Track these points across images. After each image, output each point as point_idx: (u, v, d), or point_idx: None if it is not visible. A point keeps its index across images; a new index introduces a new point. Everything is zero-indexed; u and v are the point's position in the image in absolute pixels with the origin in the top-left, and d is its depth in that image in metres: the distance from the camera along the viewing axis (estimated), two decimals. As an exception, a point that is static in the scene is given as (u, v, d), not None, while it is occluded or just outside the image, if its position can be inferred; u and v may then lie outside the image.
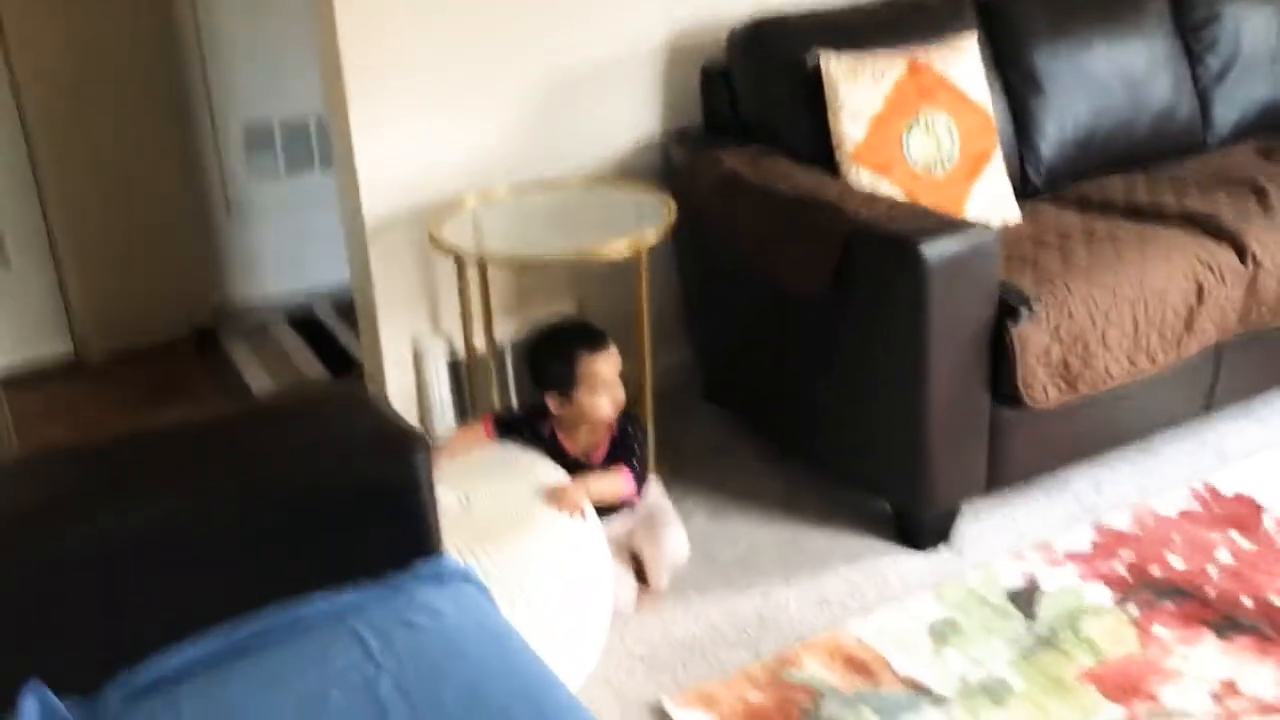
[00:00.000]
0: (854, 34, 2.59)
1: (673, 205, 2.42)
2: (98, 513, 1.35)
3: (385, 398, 2.71)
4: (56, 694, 1.28)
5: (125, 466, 1.46)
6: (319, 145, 3.63)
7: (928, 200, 2.45)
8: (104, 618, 1.35)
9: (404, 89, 2.43)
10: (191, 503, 1.40)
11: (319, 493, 1.44)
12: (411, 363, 2.66)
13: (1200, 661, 1.99)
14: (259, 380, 3.28)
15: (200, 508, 1.40)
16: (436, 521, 1.51)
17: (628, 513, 2.23)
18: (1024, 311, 2.10)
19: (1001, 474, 2.29)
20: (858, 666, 2.01)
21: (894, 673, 1.99)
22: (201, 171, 3.52)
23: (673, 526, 2.23)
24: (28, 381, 3.29)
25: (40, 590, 1.31)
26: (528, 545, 1.85)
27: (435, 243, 2.32)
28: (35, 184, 3.23)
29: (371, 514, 1.46)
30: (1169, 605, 2.13)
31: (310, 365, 3.35)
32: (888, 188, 2.45)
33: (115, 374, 3.33)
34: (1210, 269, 2.32)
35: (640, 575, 2.21)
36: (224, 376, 3.31)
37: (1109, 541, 2.32)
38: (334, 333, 3.52)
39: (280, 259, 3.71)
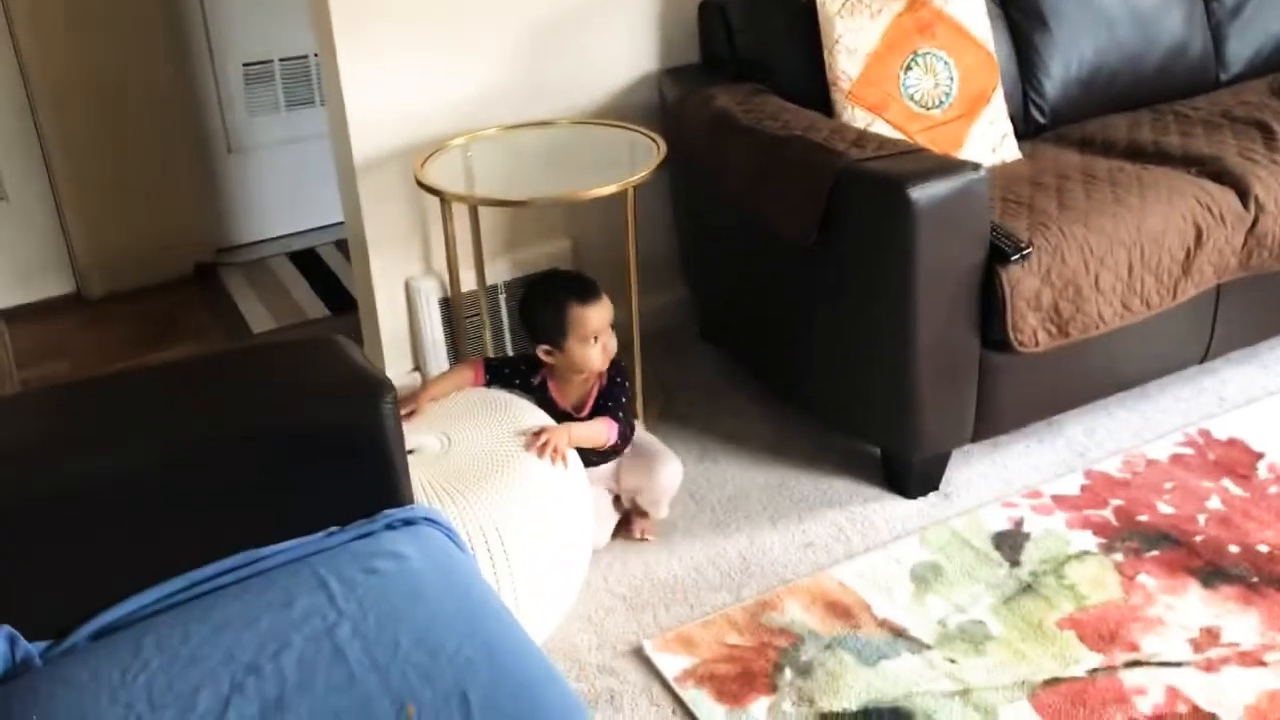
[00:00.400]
0: (853, -32, 2.52)
1: (663, 145, 2.39)
2: (64, 458, 1.36)
3: (369, 338, 2.72)
4: (26, 638, 1.30)
5: (94, 411, 1.46)
6: (319, 82, 3.60)
7: (924, 140, 2.41)
8: (72, 563, 1.36)
9: (392, 26, 2.39)
10: (158, 448, 1.40)
11: (285, 438, 1.44)
12: (404, 302, 2.65)
13: (1183, 609, 1.98)
14: (259, 318, 3.29)
15: (167, 453, 1.40)
16: (405, 468, 1.51)
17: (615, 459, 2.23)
18: (1015, 255, 2.07)
19: (992, 420, 2.27)
20: (838, 610, 2.02)
21: (874, 616, 2.00)
22: (202, 109, 3.50)
23: (663, 455, 2.24)
24: (31, 318, 3.32)
25: (9, 536, 1.32)
26: (506, 489, 1.86)
27: (419, 182, 2.30)
28: (34, 124, 3.21)
29: (339, 460, 1.46)
30: (1155, 552, 2.12)
31: (311, 303, 3.36)
32: (883, 127, 2.41)
33: (116, 311, 3.34)
34: (1210, 211, 2.27)
35: (639, 511, 2.23)
36: (225, 314, 3.32)
37: (1098, 488, 2.30)
38: (334, 270, 3.52)
39: (281, 197, 3.70)
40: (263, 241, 3.72)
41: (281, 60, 3.56)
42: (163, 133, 3.34)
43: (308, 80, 3.61)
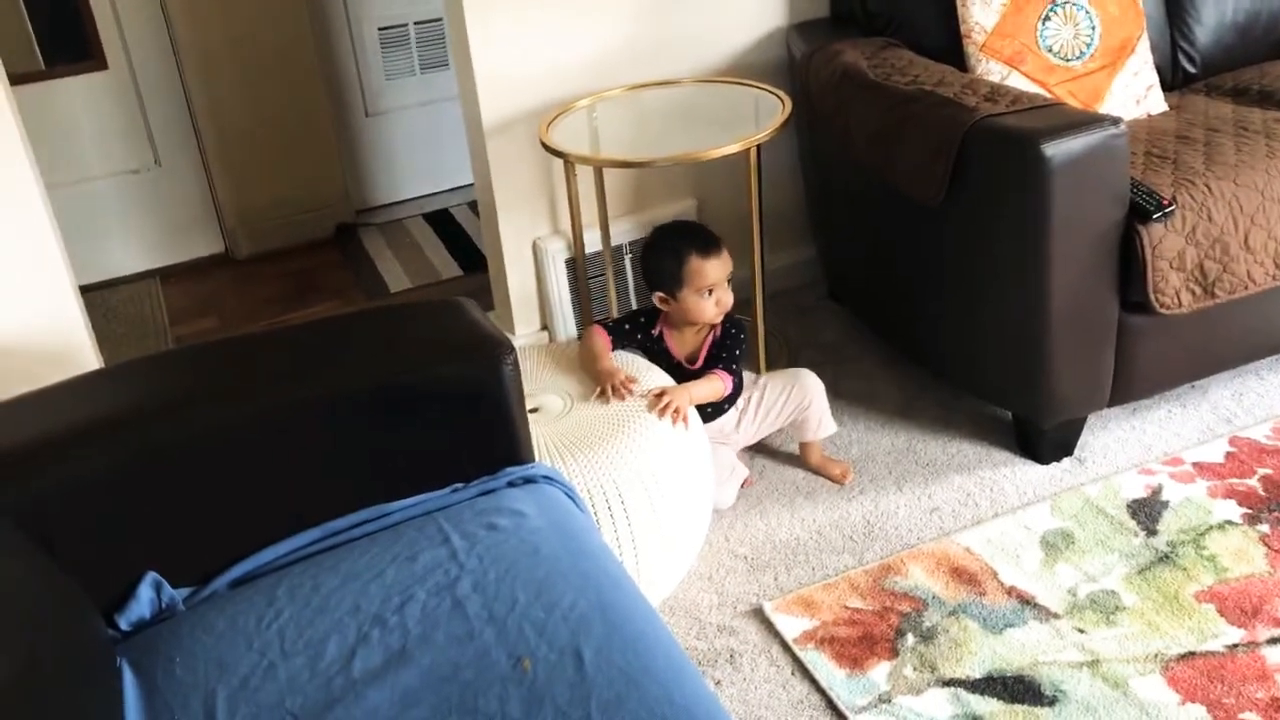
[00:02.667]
0: (990, -86, 2.43)
1: (788, 102, 2.35)
2: (208, 411, 1.43)
3: (498, 298, 2.76)
4: (171, 584, 1.38)
5: (236, 367, 1.53)
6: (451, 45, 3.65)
7: (1063, 93, 2.32)
8: (214, 513, 1.43)
9: (519, -12, 2.41)
10: (294, 404, 1.46)
11: (412, 396, 1.48)
12: (532, 262, 2.69)
13: (1333, 585, 1.89)
14: (396, 277, 3.38)
15: (302, 408, 1.46)
16: (526, 426, 1.55)
17: (727, 415, 2.23)
18: (1157, 213, 1.98)
19: (1131, 384, 2.19)
20: (964, 576, 1.99)
21: (1000, 584, 1.96)
22: (340, 74, 3.59)
23: (794, 370, 2.26)
24: (182, 277, 3.48)
25: (156, 486, 1.39)
26: (626, 449, 1.88)
27: (544, 144, 2.32)
28: (184, 92, 3.35)
29: (462, 418, 1.50)
30: (1305, 524, 2.02)
31: (444, 262, 3.43)
32: (1019, 80, 2.33)
33: (262, 271, 3.48)
34: (1376, 165, 2.13)
35: (815, 456, 2.28)
36: (363, 273, 3.42)
37: (1245, 455, 2.20)
38: (468, 231, 3.59)
39: (416, 159, 3.79)
40: (399, 203, 3.81)
41: (416, 24, 3.63)
42: (304, 98, 3.45)
43: (441, 43, 3.67)
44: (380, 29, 3.59)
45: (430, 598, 1.30)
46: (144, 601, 1.34)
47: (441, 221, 3.70)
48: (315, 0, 3.46)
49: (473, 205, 3.71)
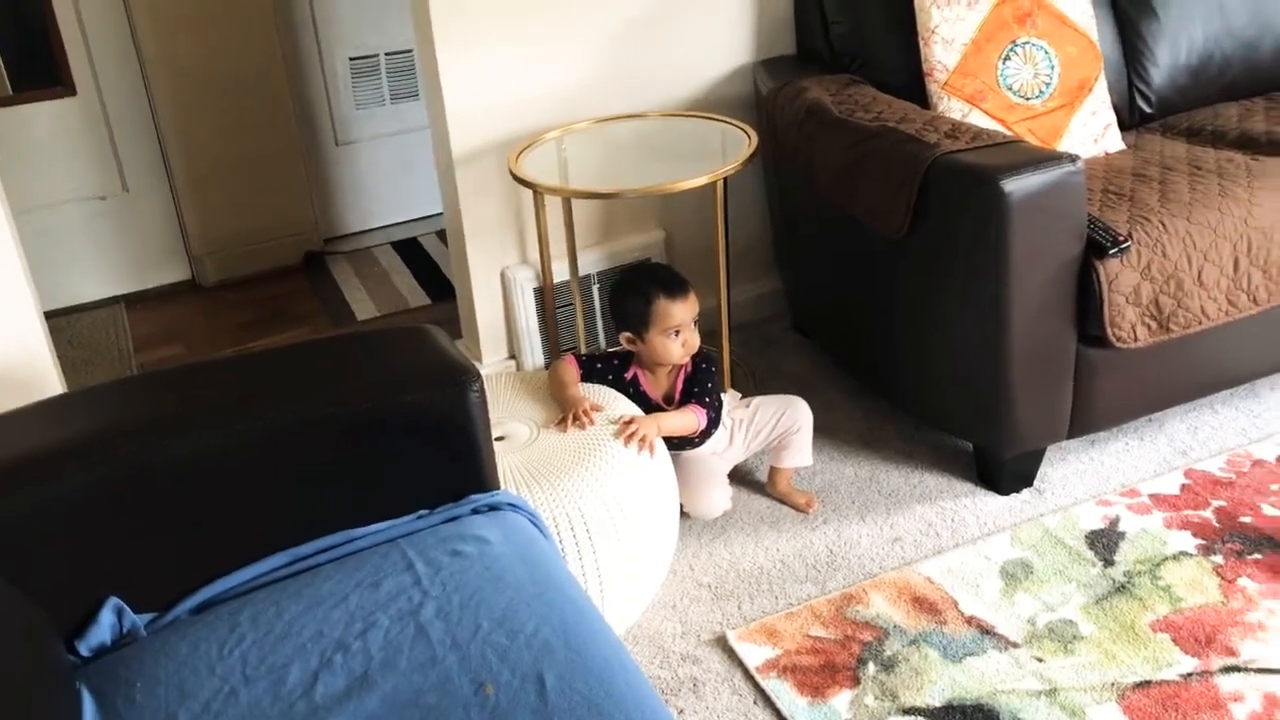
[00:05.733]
0: (952, -44, 2.49)
1: (754, 136, 2.39)
2: (172, 438, 1.43)
3: (466, 327, 2.77)
4: (133, 609, 1.38)
5: (200, 394, 1.53)
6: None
7: (1023, 131, 2.37)
8: (178, 539, 1.43)
9: (488, 20, 2.44)
10: (260, 431, 1.46)
11: (378, 423, 1.49)
12: (500, 292, 2.71)
13: (1285, 615, 1.92)
14: (363, 305, 3.38)
15: (267, 435, 1.46)
16: (491, 453, 1.55)
17: (720, 433, 2.26)
18: (1113, 249, 2.02)
19: (1089, 416, 2.22)
20: (924, 605, 2.01)
21: (961, 613, 1.98)
22: (311, 103, 3.61)
23: (785, 397, 2.30)
24: (148, 305, 3.47)
25: (118, 512, 1.39)
26: (592, 477, 1.89)
27: (513, 174, 2.34)
28: (153, 118, 3.35)
29: (428, 445, 1.51)
30: (1258, 555, 2.06)
31: (413, 291, 3.44)
32: (980, 118, 2.38)
33: (229, 298, 3.47)
34: (1324, 204, 2.19)
35: (784, 487, 2.32)
36: (330, 301, 3.42)
37: (1200, 487, 2.24)
38: (435, 259, 3.60)
39: (386, 188, 3.81)
40: (368, 231, 3.83)
41: (387, 54, 3.65)
42: (273, 126, 3.46)
43: (411, 74, 3.69)
44: (351, 59, 3.61)
45: (394, 624, 1.30)
46: (105, 627, 1.34)
47: (410, 250, 3.71)
48: (286, 29, 3.47)
49: (441, 234, 3.73)
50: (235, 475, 1.44)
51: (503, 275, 2.69)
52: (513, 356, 2.78)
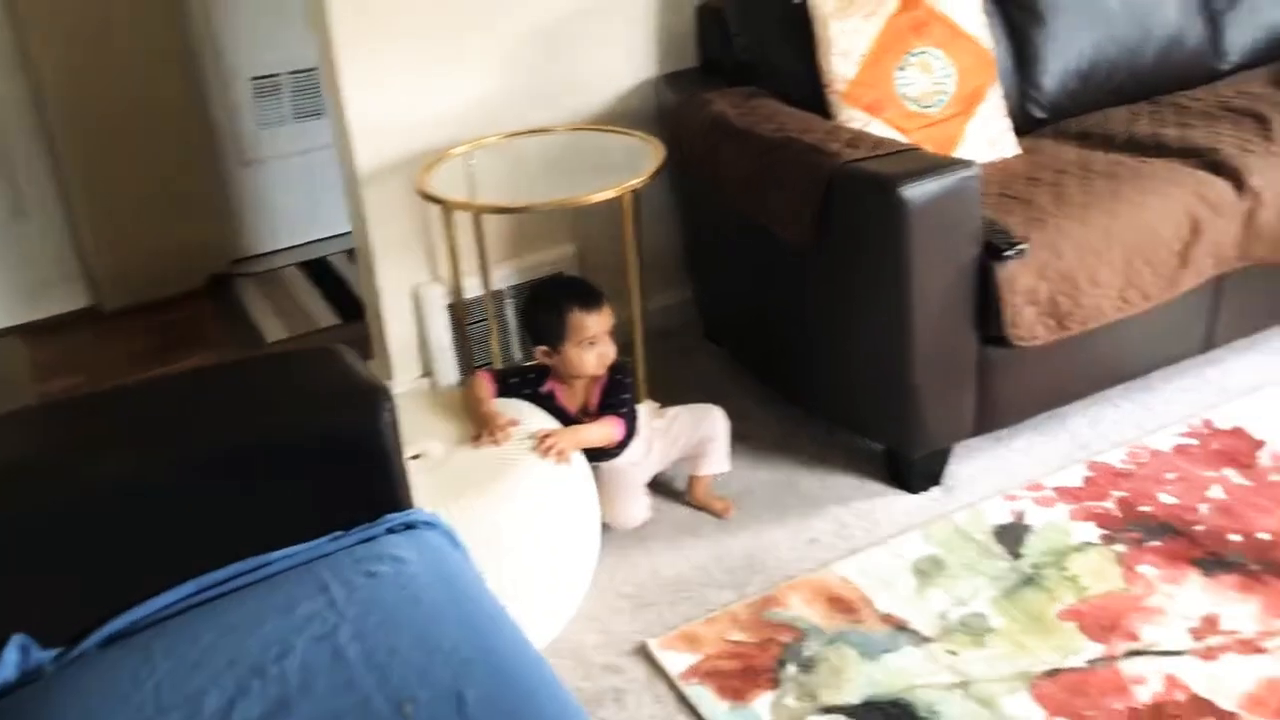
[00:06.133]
0: (847, -31, 2.55)
1: (661, 149, 2.42)
2: (75, 468, 1.40)
3: (377, 346, 2.75)
4: (40, 645, 1.35)
5: (103, 422, 1.50)
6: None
7: (921, 139, 2.43)
8: (84, 571, 1.40)
9: (392, 38, 2.43)
10: (166, 458, 1.44)
11: (288, 446, 1.47)
12: (412, 309, 2.69)
13: (1183, 599, 2.00)
14: (272, 327, 3.34)
15: (174, 462, 1.44)
16: (404, 473, 1.55)
17: (637, 443, 2.27)
18: (1009, 251, 2.09)
19: (993, 414, 2.29)
20: (841, 605, 2.04)
21: (876, 611, 2.02)
22: (213, 123, 3.55)
23: (701, 406, 2.33)
24: (49, 332, 3.38)
25: (21, 546, 1.36)
26: (508, 492, 1.89)
27: (421, 191, 2.34)
28: (50, 141, 3.27)
29: (340, 466, 1.50)
30: (1156, 542, 2.13)
31: (322, 312, 3.41)
32: (880, 127, 2.43)
33: (133, 324, 3.40)
34: (1207, 203, 2.28)
35: (703, 492, 2.34)
36: (238, 324, 3.37)
37: (1101, 479, 2.32)
38: (345, 279, 3.57)
39: (292, 208, 3.76)
40: (275, 252, 3.77)
41: (290, 73, 3.61)
42: (175, 147, 3.40)
43: (315, 92, 3.65)
44: (253, 78, 3.56)
45: (310, 647, 1.29)
46: (9, 664, 1.30)
47: (318, 270, 3.67)
48: (187, 49, 3.41)
49: (350, 253, 3.69)
50: (141, 504, 1.41)
51: (414, 293, 2.68)
52: (426, 375, 2.77)
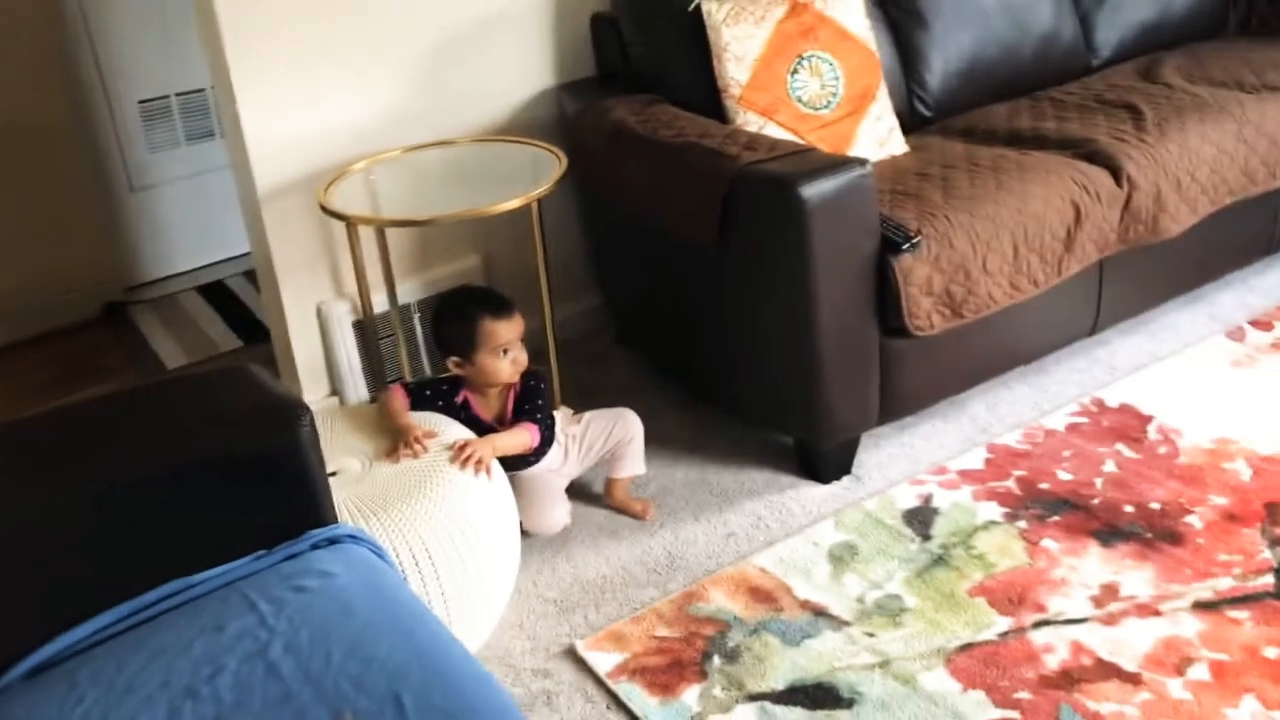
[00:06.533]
0: (736, -23, 2.61)
1: (564, 158, 2.45)
2: (-15, 501, 1.38)
3: (283, 366, 2.73)
4: (-43, 680, 1.32)
5: (10, 456, 1.48)
6: (217, 115, 3.60)
7: (815, 140, 2.50)
8: (1, 606, 1.37)
9: (286, 55, 2.42)
10: (80, 488, 1.42)
11: (205, 468, 1.46)
12: (317, 328, 2.67)
13: (1084, 569, 2.09)
14: (172, 354, 3.28)
15: (89, 492, 1.42)
16: (327, 488, 1.55)
17: (555, 450, 2.30)
18: (905, 245, 2.16)
19: (897, 403, 2.36)
20: (761, 595, 2.09)
21: (795, 598, 2.08)
22: (100, 148, 3.47)
23: (616, 409, 2.35)
24: (-64, 370, 3.27)
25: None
26: (430, 504, 1.90)
27: (323, 207, 2.33)
28: (-74, 169, 3.17)
29: (260, 485, 1.50)
30: (1056, 517, 2.23)
31: (223, 335, 3.35)
32: (775, 130, 2.50)
33: (25, 357, 3.30)
34: (1087, 192, 2.40)
35: (622, 495, 2.37)
36: (137, 352, 3.30)
37: (1001, 460, 2.41)
38: (245, 301, 3.52)
39: (187, 231, 3.70)
40: (171, 277, 3.71)
41: (178, 95, 3.55)
42: (61, 174, 3.32)
43: (206, 113, 3.61)
44: (140, 101, 3.50)
45: (242, 665, 1.28)
46: (-72, 704, 1.27)
47: (217, 293, 3.61)
48: (69, 73, 3.34)
49: (248, 275, 3.65)
50: (60, 534, 1.39)
51: (318, 311, 2.66)
52: (335, 393, 2.75)
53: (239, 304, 3.52)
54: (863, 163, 2.12)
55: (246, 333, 3.33)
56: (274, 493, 1.50)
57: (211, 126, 3.62)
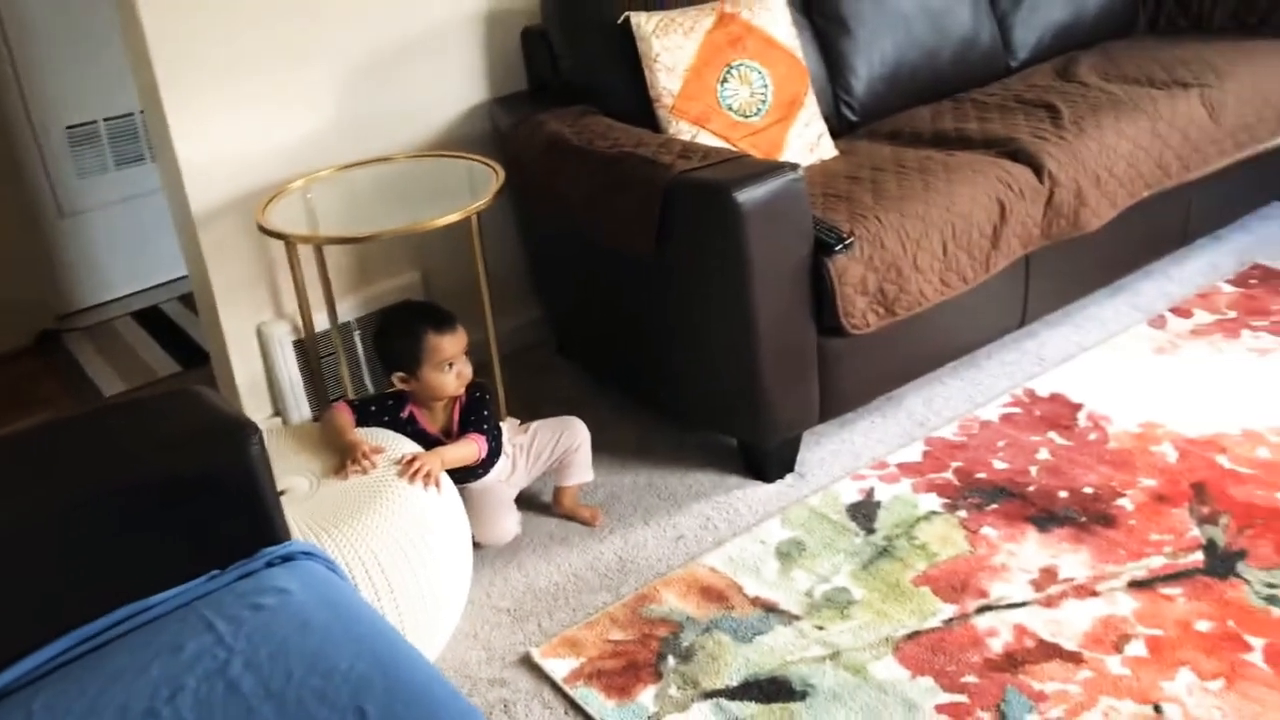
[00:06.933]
0: (664, -11, 2.66)
1: (501, 171, 2.47)
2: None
3: (224, 389, 2.71)
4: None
5: (-43, 484, 1.47)
6: (147, 139, 3.57)
7: (747, 147, 2.55)
8: (-49, 635, 1.36)
9: (218, 76, 2.42)
10: (33, 514, 1.41)
11: (157, 490, 1.47)
12: (258, 349, 2.67)
13: (1023, 554, 2.15)
14: (109, 381, 3.24)
15: (42, 518, 1.41)
16: (279, 506, 1.56)
17: (503, 460, 2.32)
18: (838, 246, 2.22)
19: (836, 400, 2.41)
20: (712, 595, 2.13)
21: (746, 596, 2.12)
22: (27, 176, 3.43)
23: (562, 418, 2.38)
24: None
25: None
26: (380, 518, 1.91)
27: (261, 227, 2.33)
28: None
29: (212, 505, 1.50)
30: (994, 505, 2.29)
31: (160, 361, 3.32)
32: (708, 138, 2.54)
33: (-43, 390, 3.25)
34: (1011, 189, 2.47)
35: (570, 503, 2.40)
36: (73, 380, 3.26)
37: (939, 452, 2.47)
38: (182, 326, 3.49)
39: (120, 257, 3.66)
40: (106, 304, 3.66)
41: (106, 120, 3.52)
42: (-13, 203, 3.27)
43: (136, 138, 3.57)
44: (68, 127, 3.46)
45: (202, 684, 1.29)
46: (-118, 739, 1.26)
47: (152, 319, 3.58)
48: (-9, 102, 3.30)
49: (184, 299, 3.62)
50: (10, 562, 1.38)
51: (258, 332, 2.66)
52: (277, 413, 2.75)
53: (176, 328, 3.49)
54: (794, 167, 2.17)
55: (185, 357, 3.30)
56: (226, 512, 1.51)
57: (142, 151, 3.59)
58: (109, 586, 1.44)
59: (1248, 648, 1.89)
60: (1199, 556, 2.10)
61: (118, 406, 1.83)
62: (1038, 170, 2.53)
